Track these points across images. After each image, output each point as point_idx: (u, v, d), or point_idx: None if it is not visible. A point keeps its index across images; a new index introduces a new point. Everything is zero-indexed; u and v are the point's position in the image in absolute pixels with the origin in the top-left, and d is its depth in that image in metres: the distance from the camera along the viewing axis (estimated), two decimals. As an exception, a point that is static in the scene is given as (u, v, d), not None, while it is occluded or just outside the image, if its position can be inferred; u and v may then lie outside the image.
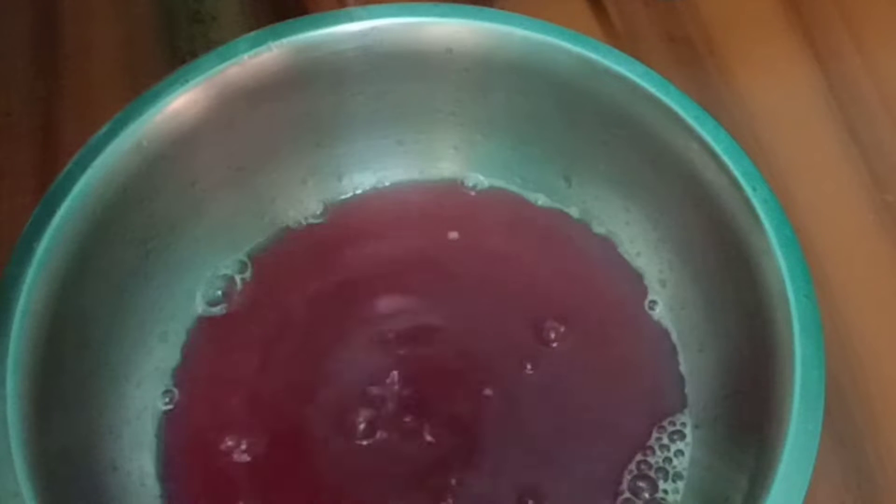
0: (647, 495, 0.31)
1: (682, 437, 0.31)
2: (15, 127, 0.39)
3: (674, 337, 0.33)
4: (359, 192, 0.36)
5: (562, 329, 0.33)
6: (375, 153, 0.36)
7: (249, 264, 0.34)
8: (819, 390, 0.27)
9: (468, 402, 0.32)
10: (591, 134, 0.33)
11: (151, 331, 0.32)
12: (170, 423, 0.32)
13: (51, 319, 0.28)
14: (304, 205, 0.35)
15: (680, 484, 0.31)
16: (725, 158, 0.30)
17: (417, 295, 0.34)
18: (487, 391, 0.32)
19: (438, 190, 0.36)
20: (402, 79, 0.34)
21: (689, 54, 0.41)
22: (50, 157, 0.38)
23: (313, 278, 0.34)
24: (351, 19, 0.32)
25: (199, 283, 0.34)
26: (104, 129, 0.31)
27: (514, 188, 0.36)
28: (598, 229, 0.35)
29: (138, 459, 0.31)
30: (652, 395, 0.32)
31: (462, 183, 0.36)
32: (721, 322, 0.31)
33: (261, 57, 0.32)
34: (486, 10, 0.33)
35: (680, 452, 0.31)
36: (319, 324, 0.34)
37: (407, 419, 0.32)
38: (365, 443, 0.31)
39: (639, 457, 0.31)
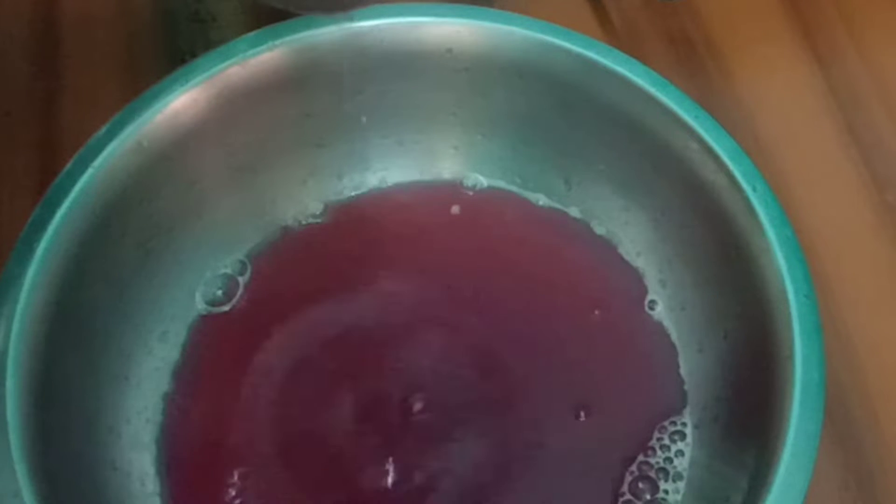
0: (647, 496, 0.31)
1: (683, 437, 0.31)
2: (15, 127, 0.39)
3: (674, 337, 0.33)
4: (359, 192, 0.36)
5: (561, 329, 0.33)
6: (375, 153, 0.36)
7: (249, 264, 0.34)
8: (819, 390, 0.27)
9: (468, 403, 0.32)
10: (591, 134, 0.33)
11: (151, 330, 0.33)
12: (170, 423, 0.32)
13: (51, 319, 0.28)
14: (304, 205, 0.35)
15: (680, 484, 0.31)
16: (725, 158, 0.30)
17: (417, 295, 0.34)
18: (485, 392, 0.32)
19: (438, 190, 0.36)
20: (402, 79, 0.34)
21: (689, 54, 0.41)
22: (50, 157, 0.38)
23: (313, 278, 0.34)
24: (351, 19, 0.32)
25: (199, 283, 0.34)
26: (104, 129, 0.31)
27: (514, 188, 0.36)
28: (598, 229, 0.35)
29: (138, 459, 0.31)
30: (652, 396, 0.32)
31: (462, 183, 0.36)
32: (721, 322, 0.31)
33: (261, 57, 0.32)
34: (486, 10, 0.33)
35: (680, 453, 0.31)
36: (319, 324, 0.34)
37: (406, 416, 0.32)
38: (363, 442, 0.31)
39: (640, 457, 0.31)
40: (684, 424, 0.32)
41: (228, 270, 0.34)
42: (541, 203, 0.36)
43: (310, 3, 0.31)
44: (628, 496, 0.31)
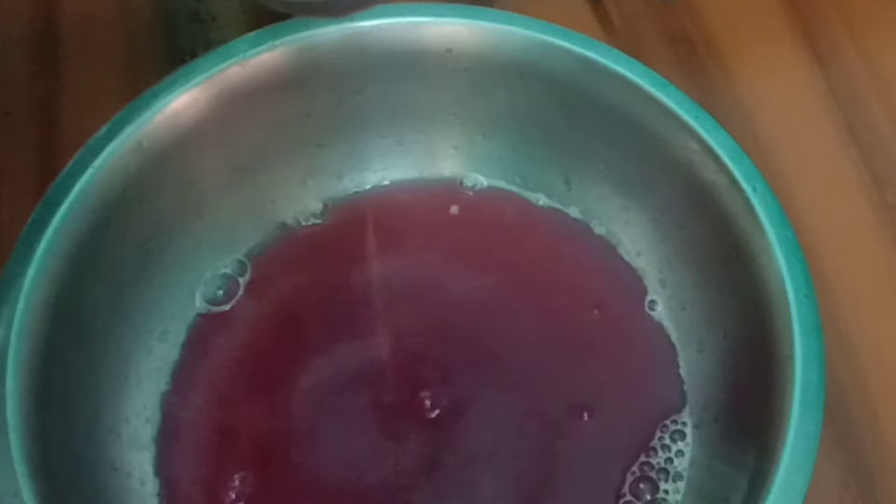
0: (648, 496, 0.30)
1: (683, 437, 0.31)
2: (15, 127, 0.39)
3: (674, 337, 0.33)
4: (359, 191, 0.36)
5: (561, 329, 0.33)
6: (375, 153, 0.36)
7: (249, 264, 0.34)
8: (819, 390, 0.27)
9: (468, 401, 0.32)
10: (591, 134, 0.33)
11: (151, 330, 0.33)
12: (169, 423, 0.32)
13: (51, 319, 0.28)
14: (304, 205, 0.35)
15: (680, 484, 0.31)
16: (725, 158, 0.30)
17: (417, 295, 0.34)
18: (488, 391, 0.32)
19: (438, 190, 0.36)
20: (402, 79, 0.34)
21: (689, 54, 0.41)
22: (50, 157, 0.38)
23: (313, 278, 0.34)
24: (351, 19, 0.32)
25: (199, 283, 0.34)
26: (104, 129, 0.31)
27: (514, 188, 0.36)
28: (598, 229, 0.35)
29: (138, 459, 0.31)
30: (652, 396, 0.32)
31: (462, 183, 0.36)
32: (721, 322, 0.31)
33: (261, 57, 0.32)
34: (486, 10, 0.33)
35: (680, 453, 0.31)
36: (319, 324, 0.34)
37: (406, 418, 0.32)
38: (363, 441, 0.31)
39: (641, 457, 0.31)
40: (684, 424, 0.32)
41: (228, 270, 0.34)
42: (541, 203, 0.36)
43: (310, 7, 0.31)
44: (629, 497, 0.31)
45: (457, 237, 0.35)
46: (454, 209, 0.36)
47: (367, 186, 0.36)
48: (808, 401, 0.27)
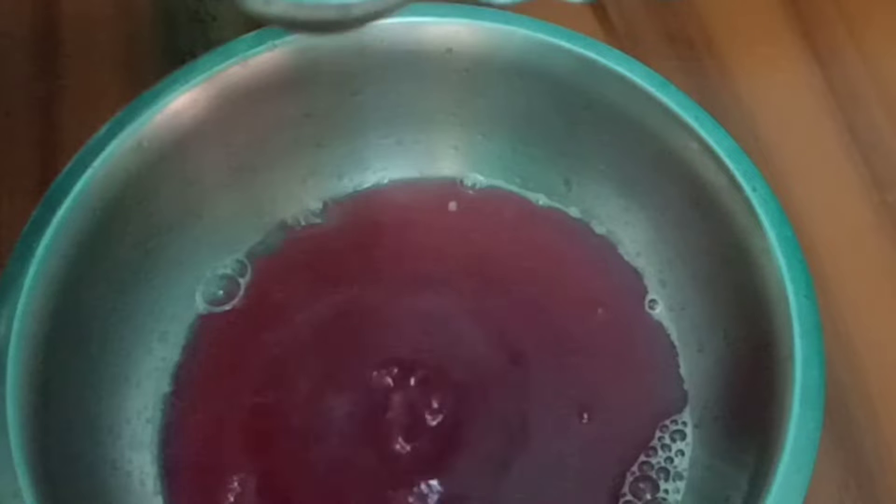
0: (648, 496, 0.31)
1: (683, 437, 0.31)
2: (15, 127, 0.39)
3: (674, 337, 0.33)
4: (359, 191, 0.36)
5: (561, 329, 0.33)
6: (375, 153, 0.36)
7: (249, 264, 0.34)
8: (819, 390, 0.27)
9: (468, 401, 0.32)
10: (591, 134, 0.33)
11: (151, 330, 0.33)
12: (170, 423, 0.32)
13: (50, 319, 0.28)
14: (304, 204, 0.35)
15: (680, 484, 0.31)
16: (725, 158, 0.30)
17: (417, 294, 0.34)
18: (488, 392, 0.32)
19: (438, 189, 0.36)
20: (402, 79, 0.34)
21: (689, 54, 0.41)
22: (50, 157, 0.38)
23: (313, 278, 0.34)
24: (350, 19, 0.32)
25: (199, 283, 0.34)
26: (104, 129, 0.31)
27: (514, 188, 0.36)
28: (599, 229, 0.35)
29: (138, 459, 0.31)
30: (652, 395, 0.32)
31: (462, 183, 0.36)
32: (721, 322, 0.31)
33: (261, 57, 0.32)
34: (486, 10, 0.33)
35: (680, 452, 0.31)
36: (319, 323, 0.34)
37: (407, 419, 0.32)
38: (363, 442, 0.31)
39: (641, 457, 0.31)
40: (684, 424, 0.32)
41: (228, 270, 0.34)
42: (541, 203, 0.36)
43: (313, 25, 0.31)
44: (629, 496, 0.31)
45: (456, 237, 0.35)
46: (454, 209, 0.36)
47: (367, 186, 0.36)
48: (808, 401, 0.27)
